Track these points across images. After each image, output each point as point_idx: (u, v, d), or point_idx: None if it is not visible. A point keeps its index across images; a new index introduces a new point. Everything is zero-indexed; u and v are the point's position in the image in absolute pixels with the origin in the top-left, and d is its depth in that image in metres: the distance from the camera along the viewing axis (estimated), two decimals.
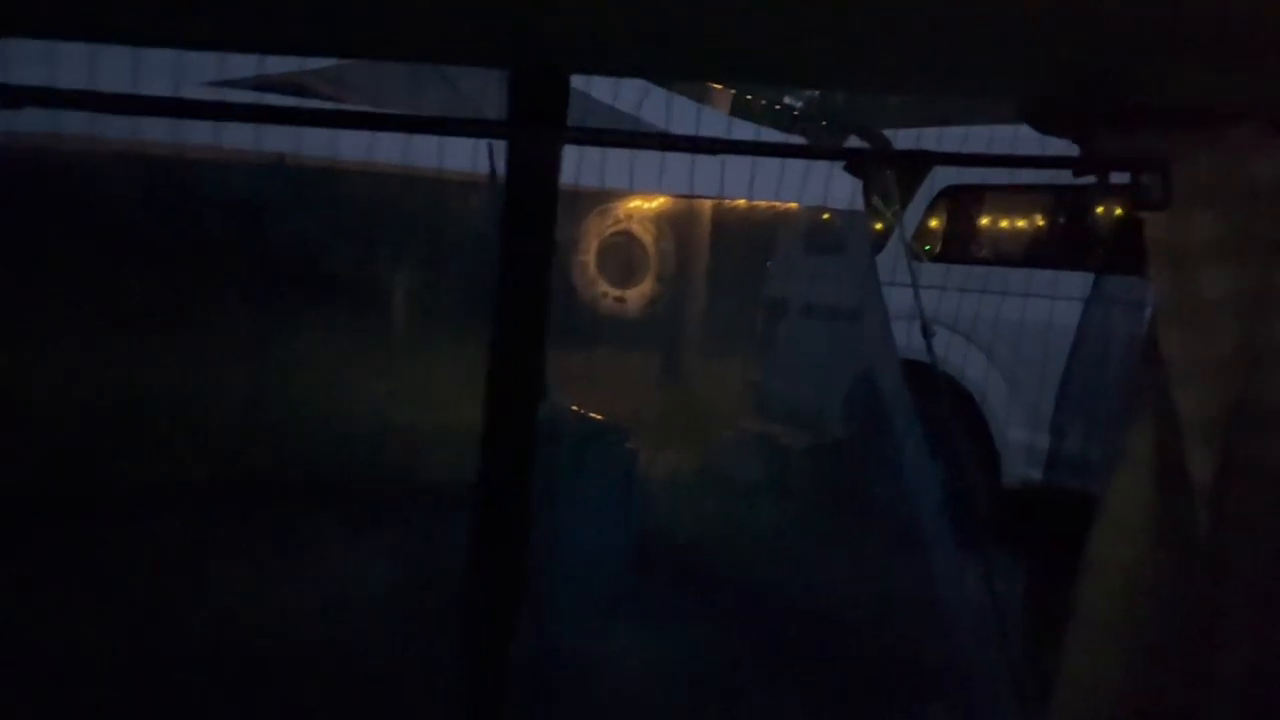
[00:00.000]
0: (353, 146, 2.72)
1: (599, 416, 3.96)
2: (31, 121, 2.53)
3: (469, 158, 2.94)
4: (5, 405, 3.40)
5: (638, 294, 6.86)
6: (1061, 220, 5.46)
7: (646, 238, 7.02)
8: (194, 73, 2.73)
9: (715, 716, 3.20)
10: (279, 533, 3.52)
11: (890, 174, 3.90)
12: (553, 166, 1.45)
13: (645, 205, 6.67)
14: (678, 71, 2.36)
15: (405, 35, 1.19)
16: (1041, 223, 5.64)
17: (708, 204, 6.10)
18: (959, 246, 5.80)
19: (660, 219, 6.88)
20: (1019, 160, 1.51)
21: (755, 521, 4.36)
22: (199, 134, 2.67)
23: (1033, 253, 5.48)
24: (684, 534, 4.31)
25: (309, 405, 3.99)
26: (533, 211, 1.48)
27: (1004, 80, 1.33)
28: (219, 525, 3.54)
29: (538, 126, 1.40)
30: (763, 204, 4.86)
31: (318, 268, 4.14)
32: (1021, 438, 5.16)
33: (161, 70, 2.38)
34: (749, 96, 6.84)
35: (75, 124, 2.55)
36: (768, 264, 5.81)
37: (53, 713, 2.54)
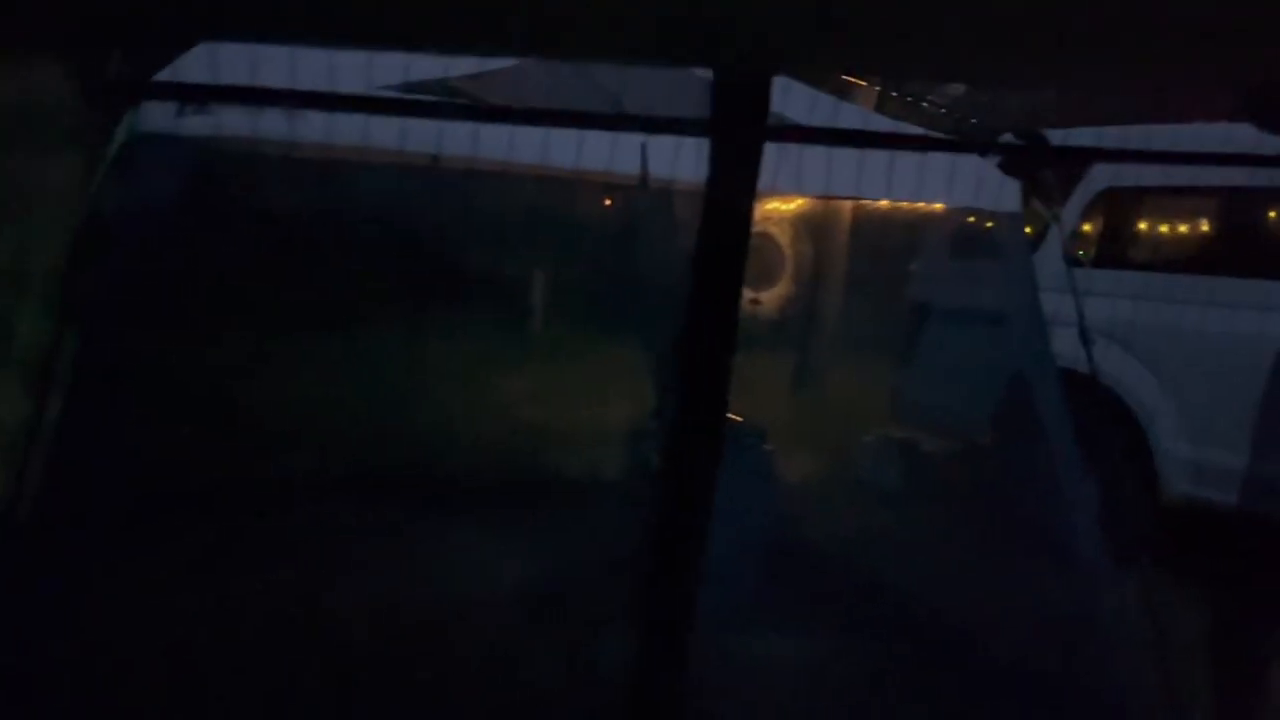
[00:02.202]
0: (492, 146, 2.76)
1: (736, 418, 3.91)
2: (197, 125, 2.64)
3: (605, 158, 2.94)
4: (163, 402, 3.56)
5: (774, 296, 6.79)
6: (1232, 223, 5.16)
7: (783, 239, 6.94)
8: (349, 78, 2.79)
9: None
10: (424, 530, 3.59)
11: (1051, 174, 3.75)
12: (754, 167, 1.42)
13: (782, 207, 6.58)
14: (880, 69, 2.29)
15: (613, 36, 1.18)
16: (1209, 226, 5.34)
17: (847, 205, 5.98)
18: (1118, 251, 5.53)
19: (797, 220, 6.80)
20: (1246, 160, 1.39)
21: (895, 529, 4.24)
22: (349, 134, 2.73)
23: (1199, 258, 5.19)
24: (820, 539, 4.23)
25: (456, 404, 4.07)
26: (732, 212, 1.45)
27: (1230, 76, 1.22)
28: (367, 521, 3.64)
29: (741, 125, 1.37)
30: (906, 205, 4.73)
31: (463, 268, 4.23)
32: (1183, 452, 4.89)
33: (327, 74, 2.44)
34: (894, 94, 6.67)
35: (236, 125, 2.65)
36: (912, 266, 5.65)
37: (200, 701, 2.63)
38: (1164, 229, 5.59)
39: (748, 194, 1.46)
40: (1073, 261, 4.36)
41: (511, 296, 4.54)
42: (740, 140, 1.41)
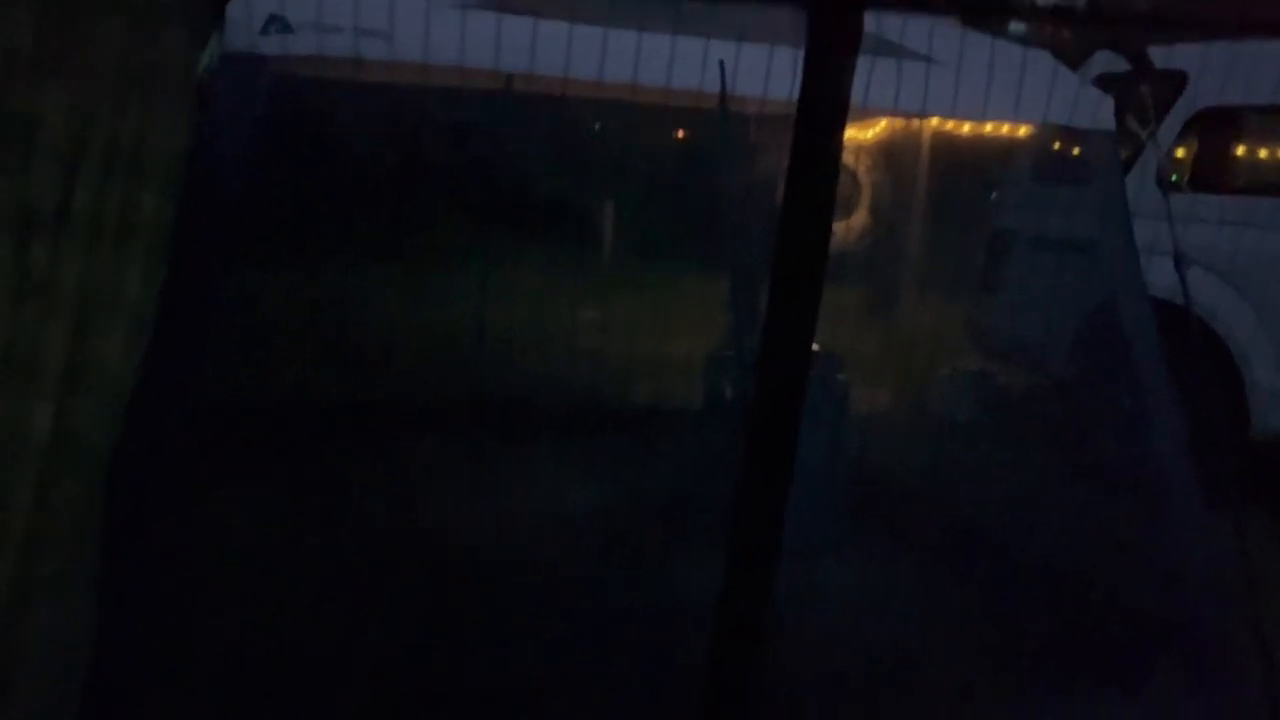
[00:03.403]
0: (584, 65, 2.70)
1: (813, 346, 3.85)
2: (281, 45, 2.62)
3: (697, 75, 2.87)
4: (243, 329, 3.61)
5: (848, 227, 6.63)
6: None
7: (859, 168, 6.75)
8: None
9: (920, 655, 3.10)
10: (504, 455, 3.63)
11: (1147, 90, 3.57)
12: (854, 39, 1.35)
13: (859, 135, 6.42)
14: None
15: None
16: None
17: (928, 130, 5.79)
18: (1215, 174, 5.28)
19: (874, 149, 6.62)
20: None
21: (974, 462, 4.18)
22: (437, 53, 2.69)
23: None
24: (894, 469, 4.18)
25: (535, 333, 4.08)
26: (830, 91, 1.39)
27: None
28: (442, 443, 3.68)
29: None
30: (990, 125, 4.56)
31: (544, 196, 4.20)
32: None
33: None
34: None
35: (320, 45, 2.63)
36: (996, 191, 5.47)
37: (280, 616, 2.69)
38: (1264, 151, 5.32)
39: (847, 69, 1.39)
40: (1168, 185, 4.18)
41: (590, 225, 4.52)
42: (839, 10, 1.34)
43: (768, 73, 2.73)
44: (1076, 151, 4.00)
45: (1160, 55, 5.08)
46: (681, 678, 2.21)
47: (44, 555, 1.18)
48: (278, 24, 2.47)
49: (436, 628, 2.75)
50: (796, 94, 1.64)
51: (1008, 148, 4.82)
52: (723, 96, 2.89)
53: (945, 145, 5.37)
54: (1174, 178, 5.24)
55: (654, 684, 2.51)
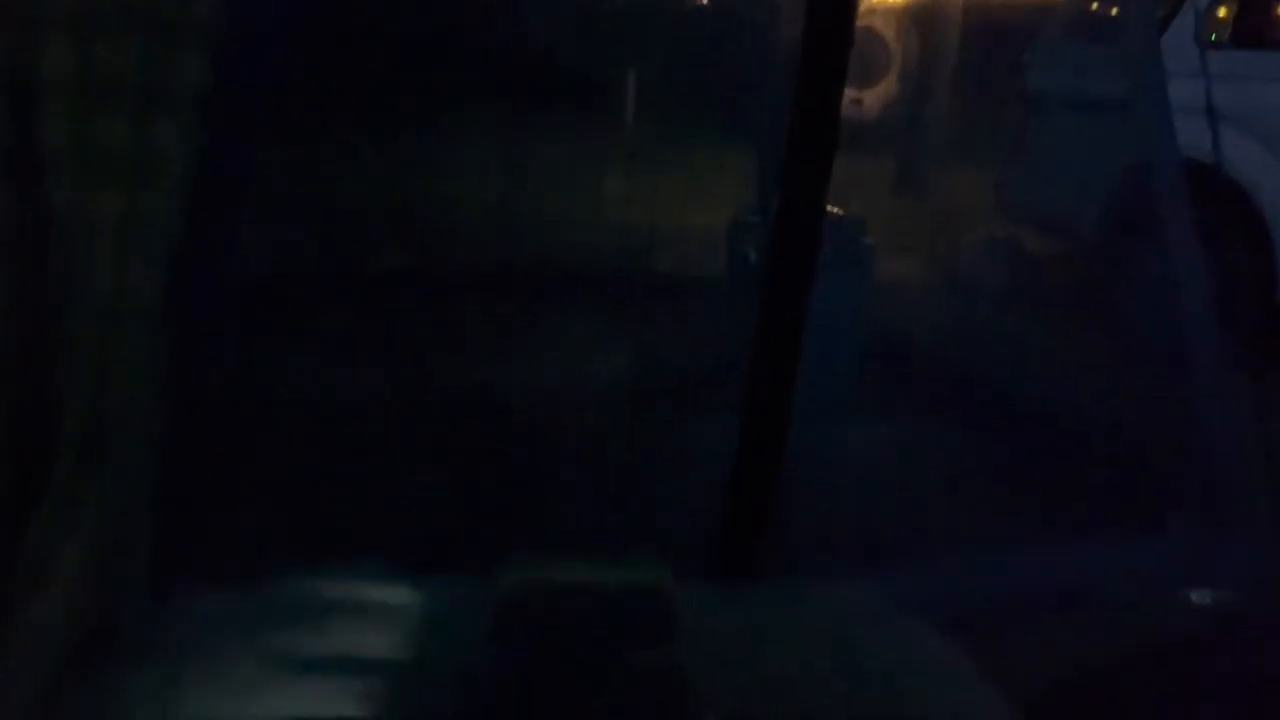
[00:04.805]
0: None
1: (838, 211, 3.83)
2: None
3: None
4: (269, 201, 3.62)
5: (876, 95, 6.51)
6: None
7: (888, 34, 6.60)
8: None
9: (943, 513, 3.16)
10: (527, 323, 3.67)
11: None
12: None
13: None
14: None
15: None
16: None
17: None
18: (1254, 29, 5.09)
19: (904, 12, 6.46)
20: None
21: (996, 324, 4.18)
22: None
23: None
24: (918, 335, 4.20)
25: (557, 201, 4.08)
26: None
27: None
28: (466, 311, 3.72)
29: None
30: None
31: (562, 65, 4.14)
32: None
33: None
34: None
35: None
36: (1027, 54, 5.31)
37: (321, 475, 2.79)
38: None
39: None
40: (1206, 42, 4.05)
41: (611, 93, 4.46)
42: None
43: None
44: (1110, 6, 3.88)
45: None
46: (698, 529, 2.30)
47: (120, 340, 1.26)
48: None
49: (465, 473, 2.84)
50: None
51: (1041, 8, 4.69)
52: None
53: (979, 9, 5.23)
54: (1214, 36, 5.07)
55: (671, 540, 2.59)
